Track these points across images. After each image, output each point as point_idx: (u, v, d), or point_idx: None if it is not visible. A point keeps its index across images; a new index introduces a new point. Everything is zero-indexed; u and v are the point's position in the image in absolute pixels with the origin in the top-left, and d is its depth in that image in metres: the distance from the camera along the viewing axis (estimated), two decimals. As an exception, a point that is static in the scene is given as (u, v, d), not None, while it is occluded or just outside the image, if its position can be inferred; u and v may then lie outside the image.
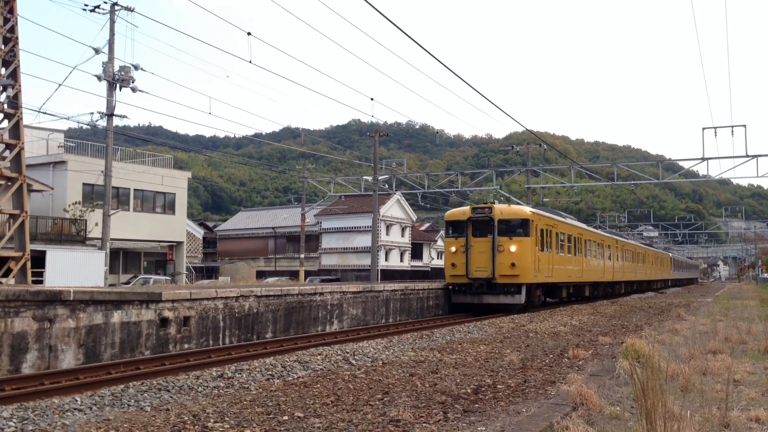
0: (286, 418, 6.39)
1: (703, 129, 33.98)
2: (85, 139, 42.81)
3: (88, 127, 29.37)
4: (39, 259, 28.81)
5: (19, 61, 24.90)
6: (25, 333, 10.22)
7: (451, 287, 23.61)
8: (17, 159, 25.23)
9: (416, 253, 63.45)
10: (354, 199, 56.63)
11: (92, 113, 32.66)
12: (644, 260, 48.77)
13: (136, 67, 27.32)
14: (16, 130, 25.12)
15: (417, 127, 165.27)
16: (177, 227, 43.30)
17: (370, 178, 37.59)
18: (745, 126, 30.42)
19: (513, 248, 22.30)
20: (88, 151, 39.34)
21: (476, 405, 6.93)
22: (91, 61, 39.14)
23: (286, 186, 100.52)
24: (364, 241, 52.67)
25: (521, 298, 22.22)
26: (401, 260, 59.46)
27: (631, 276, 42.66)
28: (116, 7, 26.92)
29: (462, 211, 24.01)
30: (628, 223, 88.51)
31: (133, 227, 38.75)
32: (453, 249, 23.32)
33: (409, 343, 13.35)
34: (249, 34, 20.05)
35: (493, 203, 24.23)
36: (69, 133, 48.72)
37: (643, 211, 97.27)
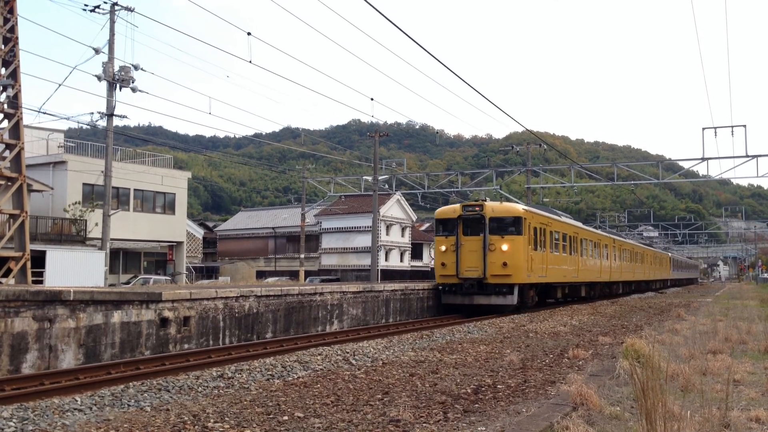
0: (286, 418, 6.39)
1: (703, 129, 34.04)
2: (85, 139, 42.83)
3: (88, 127, 29.40)
4: (39, 259, 28.82)
5: (19, 61, 24.91)
6: (25, 333, 10.22)
7: (441, 287, 22.91)
8: (17, 159, 25.23)
9: (416, 253, 63.46)
10: (354, 199, 56.63)
11: (92, 113, 32.69)
12: (642, 260, 48.31)
13: (136, 67, 27.33)
14: (16, 130, 25.12)
15: (417, 127, 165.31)
16: (177, 227, 43.32)
17: (370, 178, 37.59)
18: (745, 126, 30.46)
19: (505, 247, 21.63)
20: (88, 151, 39.35)
21: (476, 405, 6.93)
22: (91, 61, 39.18)
23: (286, 186, 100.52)
24: (364, 241, 52.67)
25: (513, 299, 21.60)
26: (401, 260, 59.47)
27: (629, 276, 42.24)
28: (116, 7, 26.94)
29: (452, 209, 23.31)
30: (628, 224, 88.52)
31: (133, 227, 38.76)
32: (443, 248, 22.67)
33: (409, 343, 13.35)
34: (249, 34, 20.07)
35: (485, 200, 23.50)
36: (69, 133, 48.77)
37: (643, 211, 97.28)
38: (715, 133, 30.96)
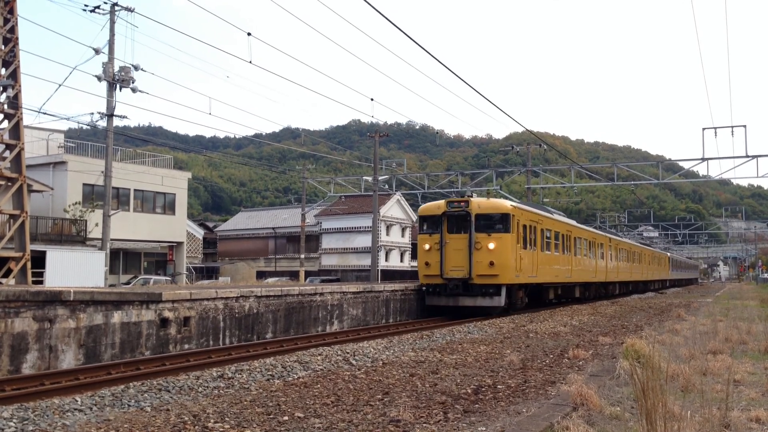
0: (286, 418, 6.40)
1: (703, 129, 34.04)
2: (85, 140, 42.86)
3: (88, 127, 29.42)
4: (39, 260, 28.83)
5: (19, 61, 24.92)
6: (26, 333, 10.22)
7: (424, 288, 21.85)
8: (17, 159, 25.24)
9: (416, 253, 63.42)
10: (354, 200, 56.64)
11: (92, 113, 32.74)
12: (640, 260, 47.35)
13: (136, 68, 27.35)
14: (16, 131, 25.13)
15: (417, 127, 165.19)
16: (177, 227, 43.33)
17: (370, 179, 37.60)
18: (745, 126, 30.46)
19: (491, 245, 20.49)
20: (88, 152, 39.37)
21: (476, 405, 6.93)
22: (91, 62, 39.23)
23: (286, 186, 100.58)
24: (364, 241, 52.68)
25: (501, 300, 20.52)
26: (401, 260, 59.47)
27: (626, 276, 41.33)
28: (116, 8, 26.96)
29: (437, 205, 22.11)
30: (628, 224, 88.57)
31: (133, 227, 38.78)
32: (427, 246, 21.58)
33: (409, 343, 13.35)
34: (249, 34, 20.06)
35: (471, 196, 22.48)
36: (69, 134, 48.85)
37: (643, 211, 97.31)
38: (715, 133, 30.99)
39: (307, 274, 52.17)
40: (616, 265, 37.92)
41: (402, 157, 67.21)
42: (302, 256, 50.57)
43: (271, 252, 63.78)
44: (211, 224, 75.05)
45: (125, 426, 6.10)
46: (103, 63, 27.11)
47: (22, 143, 25.40)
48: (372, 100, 28.76)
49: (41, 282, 28.36)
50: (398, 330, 17.06)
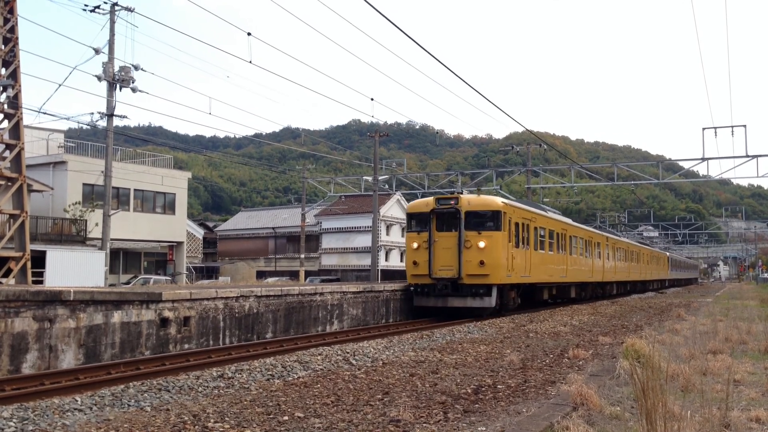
0: (286, 418, 6.40)
1: (703, 129, 34.05)
2: (85, 140, 42.87)
3: (88, 127, 29.42)
4: (39, 260, 28.83)
5: (19, 61, 24.92)
6: (26, 333, 10.22)
7: (412, 288, 21.04)
8: (17, 159, 25.25)
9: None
10: (354, 200, 56.65)
11: (92, 113, 32.76)
12: (638, 259, 46.46)
13: (136, 68, 27.35)
14: (16, 131, 25.14)
15: (417, 127, 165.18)
16: (177, 227, 43.34)
17: (370, 179, 37.60)
18: (745, 126, 30.48)
19: (482, 244, 19.77)
20: (88, 152, 39.39)
21: (476, 405, 6.93)
22: (91, 62, 39.20)
23: (286, 186, 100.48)
24: (365, 241, 52.68)
25: (491, 301, 19.79)
26: (401, 260, 59.46)
27: (623, 276, 40.43)
28: (116, 8, 26.96)
29: (425, 202, 21.43)
30: (629, 224, 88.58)
31: (133, 227, 38.79)
32: (415, 245, 20.84)
33: (410, 343, 13.35)
34: (249, 34, 20.06)
35: (461, 193, 21.70)
36: (69, 134, 48.84)
37: (644, 211, 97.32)
38: (715, 133, 31.00)
39: (307, 274, 52.18)
40: (613, 264, 37.16)
41: (402, 157, 67.22)
42: (302, 256, 50.57)
43: (271, 252, 63.78)
44: (211, 224, 75.06)
45: (125, 426, 6.10)
46: (103, 63, 27.12)
47: (22, 143, 25.41)
48: (372, 100, 28.80)
49: (41, 282, 28.37)
50: (398, 330, 17.05)
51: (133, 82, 27.34)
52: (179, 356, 11.68)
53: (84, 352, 11.01)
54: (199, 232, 60.25)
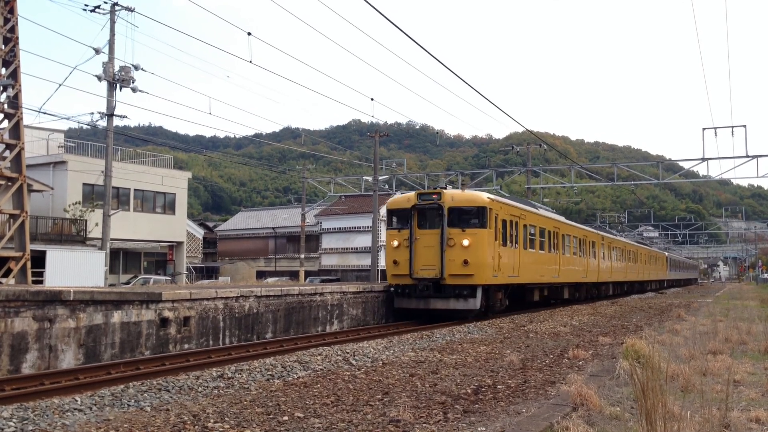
0: (286, 418, 6.40)
1: (704, 129, 34.14)
2: (85, 139, 42.90)
3: (88, 127, 29.45)
4: (39, 259, 28.84)
5: (19, 61, 24.92)
6: (25, 333, 10.22)
7: (392, 289, 19.96)
8: (17, 159, 25.25)
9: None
10: (354, 200, 56.63)
11: (92, 113, 32.84)
12: (636, 259, 45.55)
13: (136, 68, 27.36)
14: (16, 130, 25.14)
15: (417, 127, 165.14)
16: (177, 227, 43.35)
17: (370, 179, 37.62)
18: (745, 126, 30.45)
19: (466, 242, 18.70)
20: (88, 151, 39.41)
21: (476, 405, 6.93)
22: (91, 61, 39.12)
23: (286, 186, 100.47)
24: (364, 241, 52.66)
25: (476, 303, 18.71)
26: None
27: (620, 276, 39.46)
28: (116, 8, 26.98)
29: (406, 198, 20.35)
30: (629, 224, 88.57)
31: (133, 227, 38.79)
32: (395, 243, 19.78)
33: (409, 343, 13.35)
34: (249, 34, 20.07)
35: (444, 188, 20.54)
36: (69, 133, 48.84)
37: (644, 211, 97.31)
38: (716, 133, 30.99)
39: (307, 274, 52.18)
40: (609, 264, 36.23)
41: (402, 157, 67.19)
42: (302, 256, 50.57)
43: (271, 252, 63.79)
44: (211, 224, 75.07)
45: (125, 426, 6.11)
46: (103, 63, 27.13)
47: (22, 143, 25.41)
48: (372, 100, 28.82)
49: (41, 282, 28.38)
50: (398, 330, 17.04)
51: (133, 82, 27.36)
52: (179, 356, 11.69)
53: (84, 352, 11.01)
54: (199, 232, 60.27)
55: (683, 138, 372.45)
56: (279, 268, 60.55)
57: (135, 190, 39.71)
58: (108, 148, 28.24)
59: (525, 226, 22.44)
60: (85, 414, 6.89)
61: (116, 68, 27.15)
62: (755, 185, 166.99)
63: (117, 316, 11.61)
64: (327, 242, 58.22)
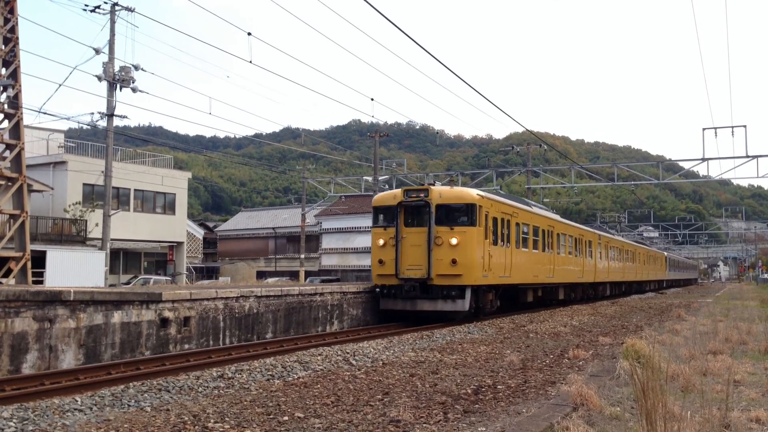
0: (286, 418, 6.40)
1: (704, 129, 34.15)
2: (85, 140, 42.92)
3: (89, 127, 29.48)
4: (39, 260, 28.84)
5: (19, 61, 24.93)
6: (26, 333, 10.23)
7: (378, 290, 19.19)
8: (17, 159, 25.25)
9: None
10: (354, 200, 56.64)
11: (92, 113, 32.87)
12: (634, 259, 44.84)
13: (136, 68, 27.38)
14: (16, 131, 25.14)
15: (417, 127, 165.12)
16: (177, 227, 43.36)
17: (370, 179, 37.61)
18: (745, 126, 30.50)
19: (454, 241, 17.98)
20: (89, 152, 39.43)
21: (476, 405, 6.93)
22: (91, 62, 39.16)
23: (287, 186, 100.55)
24: (365, 241, 52.64)
25: (464, 304, 17.99)
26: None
27: (617, 276, 38.83)
28: (116, 8, 27.01)
29: (392, 195, 19.52)
30: (629, 224, 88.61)
31: (133, 227, 38.81)
32: (381, 242, 19.00)
33: (410, 343, 13.35)
34: (249, 34, 20.07)
35: (432, 184, 19.71)
36: (69, 134, 48.90)
37: (644, 211, 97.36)
38: (716, 133, 31.02)
39: (307, 274, 52.20)
40: (606, 264, 35.48)
41: (402, 157, 67.20)
42: (302, 256, 50.59)
43: (271, 252, 63.81)
44: (211, 224, 75.10)
45: (125, 426, 6.11)
46: (103, 63, 27.15)
47: (22, 143, 25.41)
48: (372, 100, 28.75)
49: (41, 282, 28.38)
50: (398, 330, 17.04)
51: (133, 82, 27.38)
52: (179, 356, 11.69)
53: (84, 352, 11.02)
54: (199, 232, 60.29)
55: (683, 138, 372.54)
56: (279, 269, 60.57)
57: (135, 190, 39.72)
58: (108, 148, 28.25)
59: (517, 224, 21.84)
60: (86, 414, 6.89)
61: (116, 68, 27.17)
62: (755, 185, 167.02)
63: (117, 317, 11.62)
64: (327, 242, 58.23)
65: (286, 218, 63.59)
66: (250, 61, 21.91)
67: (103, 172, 29.18)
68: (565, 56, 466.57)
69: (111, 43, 27.22)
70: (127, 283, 36.51)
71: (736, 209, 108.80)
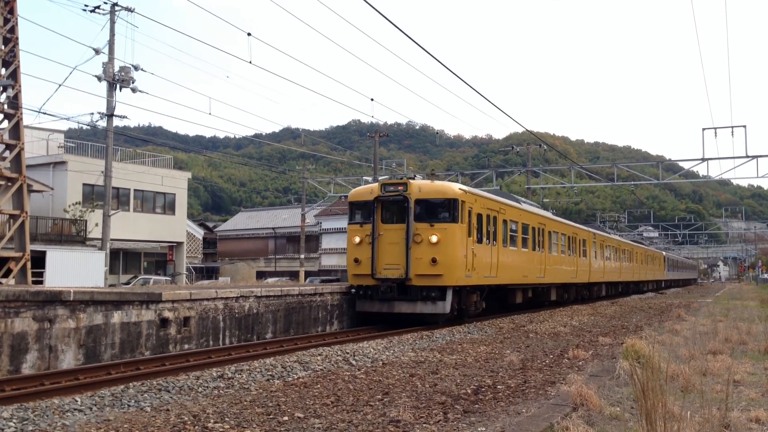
0: (286, 418, 6.40)
1: (703, 129, 34.10)
2: (85, 140, 42.93)
3: (88, 127, 29.50)
4: (39, 260, 28.84)
5: (19, 61, 24.94)
6: (25, 333, 10.22)
7: (353, 291, 17.99)
8: (17, 159, 25.26)
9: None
10: (354, 200, 56.62)
11: (92, 113, 32.89)
12: (631, 258, 43.89)
13: (136, 68, 27.40)
14: (16, 131, 25.15)
15: (417, 127, 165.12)
16: (177, 227, 43.36)
17: (370, 179, 37.61)
18: (745, 126, 30.54)
19: (434, 238, 16.77)
20: (88, 152, 39.43)
21: (476, 405, 6.93)
22: (91, 62, 39.27)
23: (286, 186, 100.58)
24: (364, 241, 52.64)
25: (445, 306, 16.80)
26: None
27: (614, 276, 37.82)
28: (116, 8, 27.02)
29: (369, 189, 18.36)
30: (629, 224, 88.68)
31: (133, 227, 38.81)
32: (357, 240, 17.85)
33: (409, 343, 13.35)
34: (249, 34, 20.09)
35: (412, 178, 18.33)
36: (69, 134, 48.95)
37: (643, 211, 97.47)
38: (715, 133, 31.06)
39: (307, 274, 52.19)
40: (602, 264, 34.37)
41: (402, 157, 67.25)
42: (302, 256, 50.58)
43: (271, 252, 63.81)
44: (211, 224, 75.12)
45: (125, 426, 6.11)
46: (103, 63, 27.17)
47: (22, 143, 25.42)
48: (372, 100, 28.83)
49: (41, 282, 28.38)
50: (398, 330, 17.03)
51: (133, 83, 27.40)
52: (179, 356, 11.69)
53: (84, 353, 11.02)
54: (199, 233, 60.29)
55: (683, 138, 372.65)
56: (279, 269, 60.57)
57: (135, 190, 39.73)
58: (108, 148, 28.26)
59: (505, 221, 20.67)
60: (85, 414, 6.89)
61: (116, 68, 27.18)
62: (755, 185, 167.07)
63: (117, 317, 11.61)
64: (327, 242, 58.24)
65: (286, 218, 63.60)
66: (250, 62, 21.94)
67: (102, 172, 29.19)
68: (565, 57, 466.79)
69: (111, 43, 27.24)
70: (127, 283, 36.51)
71: (736, 209, 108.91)
